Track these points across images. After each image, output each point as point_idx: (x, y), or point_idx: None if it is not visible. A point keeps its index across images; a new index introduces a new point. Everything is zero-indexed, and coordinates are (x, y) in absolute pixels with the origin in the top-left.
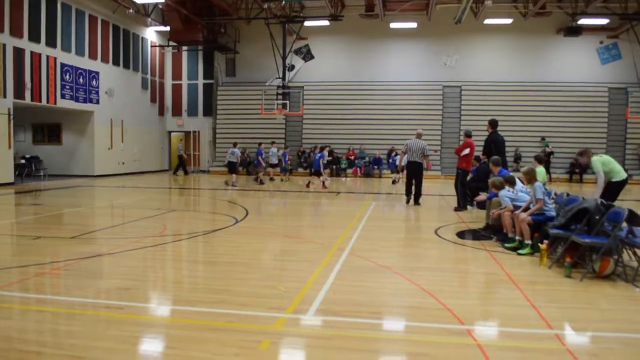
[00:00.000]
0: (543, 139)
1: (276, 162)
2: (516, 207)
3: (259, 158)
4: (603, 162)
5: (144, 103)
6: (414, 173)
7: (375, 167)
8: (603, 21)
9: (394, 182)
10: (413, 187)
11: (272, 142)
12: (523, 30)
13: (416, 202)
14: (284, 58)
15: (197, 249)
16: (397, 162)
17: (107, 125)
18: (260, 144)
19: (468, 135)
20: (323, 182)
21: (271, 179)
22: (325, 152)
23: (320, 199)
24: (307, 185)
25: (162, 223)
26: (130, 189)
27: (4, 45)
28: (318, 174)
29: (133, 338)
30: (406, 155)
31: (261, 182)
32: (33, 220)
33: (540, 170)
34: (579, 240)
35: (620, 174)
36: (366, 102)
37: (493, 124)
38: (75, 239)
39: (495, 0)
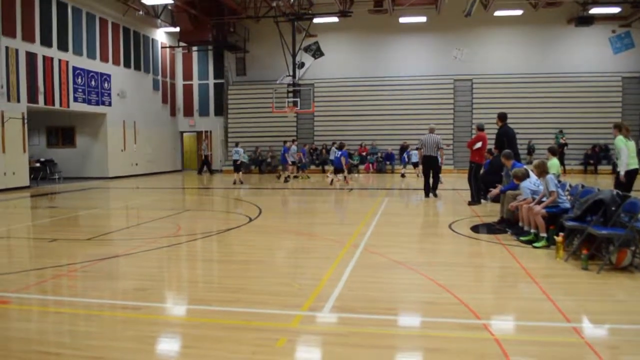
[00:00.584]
0: (561, 131)
1: (294, 160)
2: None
3: (285, 155)
4: (626, 144)
5: (156, 104)
6: (431, 166)
7: (388, 162)
8: (615, 10)
9: (402, 175)
10: (431, 180)
11: (293, 140)
12: (534, 22)
13: (434, 193)
14: (293, 56)
15: (212, 248)
16: (418, 159)
17: (119, 127)
18: (285, 141)
19: (480, 128)
20: (345, 177)
21: (286, 179)
22: (334, 150)
23: (333, 195)
24: (331, 183)
25: (177, 223)
26: (144, 189)
27: (17, 50)
28: (338, 171)
29: (150, 338)
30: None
31: (286, 180)
32: (49, 222)
33: (554, 162)
34: (595, 232)
35: (634, 165)
36: (377, 98)
37: (502, 117)
38: (91, 241)
39: None
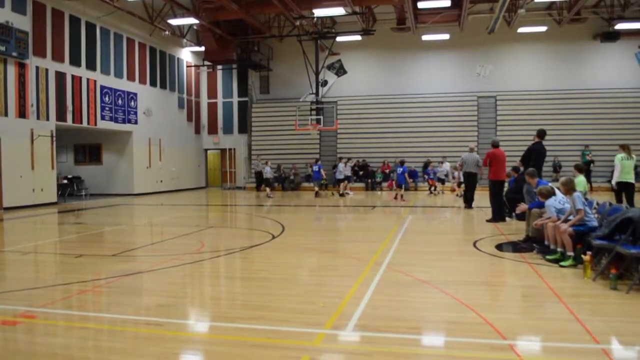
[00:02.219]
0: (587, 146)
1: (342, 177)
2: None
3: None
4: (621, 162)
5: (181, 122)
6: (471, 182)
7: (411, 180)
8: None
9: (431, 192)
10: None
11: (340, 158)
12: (558, 38)
13: (470, 206)
14: (316, 74)
15: (235, 265)
16: (456, 176)
17: (145, 144)
18: (340, 158)
19: (493, 145)
20: (401, 196)
21: (341, 194)
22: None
23: (356, 213)
24: (395, 198)
25: (200, 240)
26: (168, 206)
27: (47, 70)
28: (401, 186)
29: (173, 354)
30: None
31: (341, 195)
32: (75, 238)
33: (581, 179)
34: (624, 251)
35: (625, 179)
36: (400, 115)
37: (540, 134)
38: (116, 257)
39: (528, 9)
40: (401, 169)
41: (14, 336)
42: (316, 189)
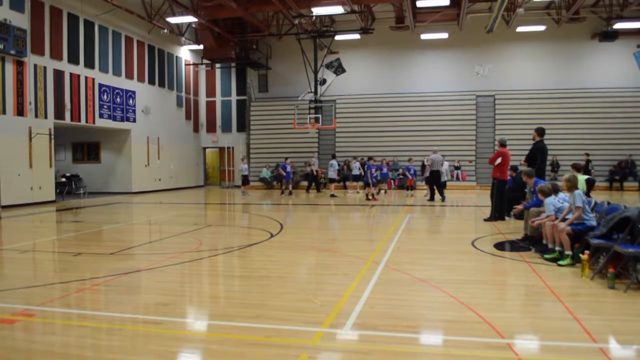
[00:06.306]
0: (587, 154)
1: (335, 176)
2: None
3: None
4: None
5: (179, 120)
6: (438, 179)
7: (381, 176)
8: (639, 24)
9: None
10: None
11: (333, 155)
12: (557, 37)
13: (443, 198)
14: (315, 72)
15: (233, 263)
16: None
17: (143, 142)
18: (333, 155)
19: (502, 144)
20: (372, 195)
21: (333, 196)
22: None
23: (355, 212)
24: (368, 199)
25: (199, 238)
26: (167, 205)
27: (45, 68)
28: (369, 185)
29: (171, 353)
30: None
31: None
32: (74, 237)
33: (580, 178)
34: (622, 250)
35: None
36: (399, 114)
37: (540, 132)
38: (115, 255)
39: (527, 8)
40: (367, 166)
41: (12, 334)
42: (290, 187)
